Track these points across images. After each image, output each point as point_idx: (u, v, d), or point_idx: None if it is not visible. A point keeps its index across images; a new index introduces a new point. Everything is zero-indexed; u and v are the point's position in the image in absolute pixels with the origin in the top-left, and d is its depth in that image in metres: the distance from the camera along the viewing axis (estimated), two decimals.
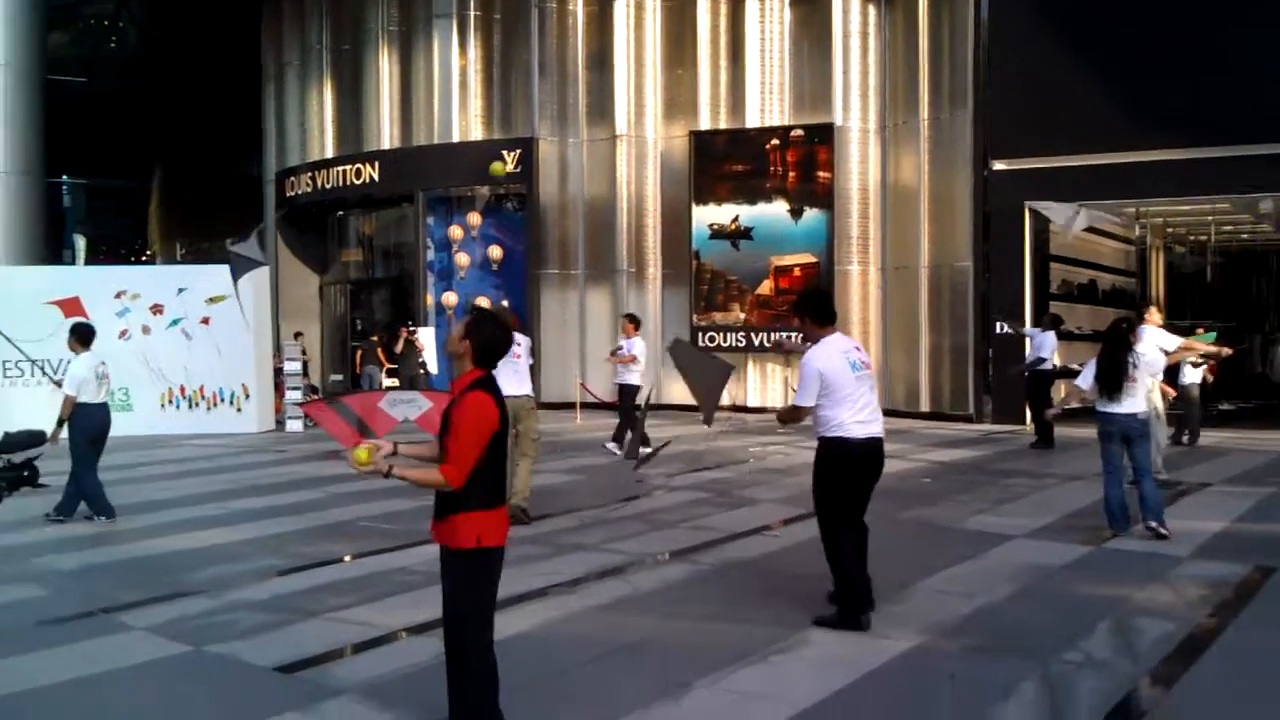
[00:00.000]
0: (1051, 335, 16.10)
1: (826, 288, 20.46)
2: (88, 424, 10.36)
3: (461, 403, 4.57)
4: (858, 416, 6.60)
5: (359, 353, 23.97)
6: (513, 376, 9.65)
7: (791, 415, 6.92)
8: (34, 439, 4.44)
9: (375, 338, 23.45)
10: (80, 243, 41.28)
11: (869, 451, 6.70)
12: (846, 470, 6.68)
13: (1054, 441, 15.49)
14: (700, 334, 21.53)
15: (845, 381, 6.59)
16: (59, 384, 10.66)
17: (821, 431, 6.71)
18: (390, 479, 4.71)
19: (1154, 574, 8.04)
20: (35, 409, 14.65)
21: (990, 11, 19.19)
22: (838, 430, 6.62)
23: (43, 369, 14.73)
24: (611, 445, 15.48)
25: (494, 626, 4.75)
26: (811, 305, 6.99)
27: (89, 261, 40.29)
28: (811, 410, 6.68)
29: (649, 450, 12.73)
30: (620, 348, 15.73)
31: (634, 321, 15.99)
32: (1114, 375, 9.15)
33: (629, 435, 13.94)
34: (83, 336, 10.64)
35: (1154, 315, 11.78)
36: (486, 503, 4.60)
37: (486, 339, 4.74)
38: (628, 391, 15.51)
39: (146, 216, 42.84)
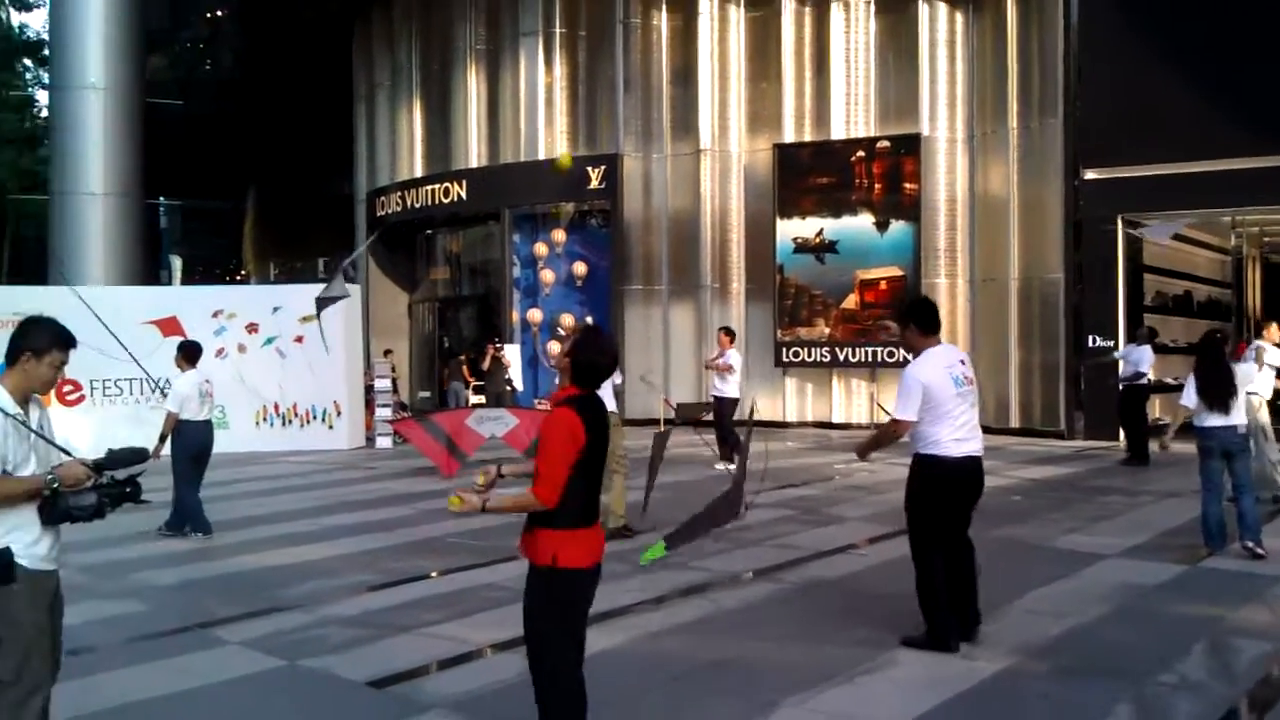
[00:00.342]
0: (1148, 349, 15.77)
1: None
2: (189, 441, 10.62)
3: (547, 420, 4.56)
4: (956, 434, 6.41)
5: (445, 370, 24.26)
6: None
7: (889, 432, 6.68)
8: (137, 456, 4.53)
9: (461, 356, 23.69)
10: (176, 263, 42.36)
11: (967, 471, 6.52)
12: (942, 490, 6.52)
13: (1149, 458, 15.16)
14: (784, 349, 21.44)
15: (946, 397, 6.39)
16: (164, 394, 10.84)
17: (918, 448, 6.53)
18: (489, 512, 4.63)
19: (1251, 594, 7.85)
20: (134, 426, 15.10)
21: (1080, 17, 18.88)
22: (934, 448, 6.44)
23: (154, 387, 15.10)
24: (721, 466, 15.49)
25: (583, 649, 4.70)
26: (916, 313, 6.76)
27: (185, 281, 41.36)
28: (911, 426, 6.48)
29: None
30: (720, 354, 15.77)
31: (729, 334, 16.12)
32: (1217, 387, 8.94)
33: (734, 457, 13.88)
34: (190, 354, 10.90)
35: (1274, 332, 11.44)
36: (567, 522, 4.51)
37: (587, 360, 4.67)
38: (726, 405, 15.54)
39: (241, 236, 43.81)
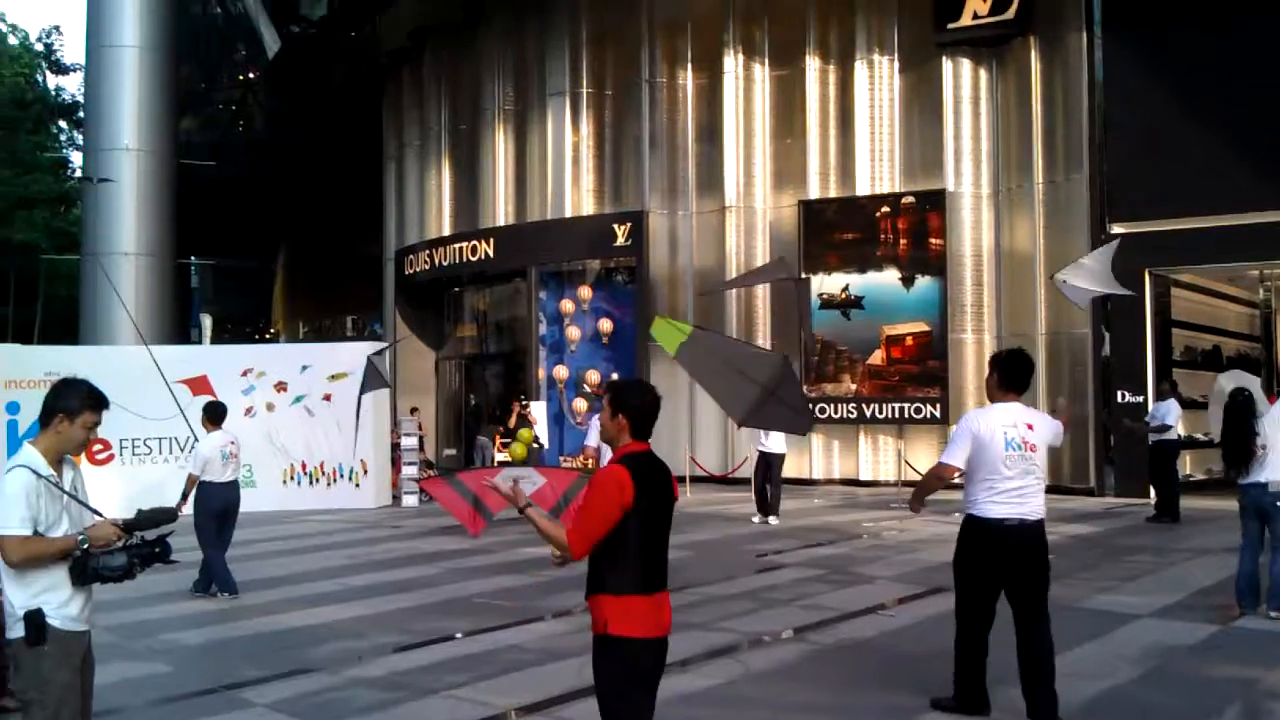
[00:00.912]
0: (1173, 403, 15.65)
1: (939, 356, 20.26)
2: (212, 501, 10.64)
3: (598, 474, 4.39)
4: (996, 496, 6.12)
5: (479, 432, 24.12)
6: None
7: (933, 475, 6.44)
8: (165, 516, 4.57)
9: (497, 429, 23.18)
10: (207, 321, 42.80)
11: (1008, 536, 6.13)
12: (977, 553, 6.26)
13: (1179, 514, 15.01)
14: (811, 406, 21.37)
15: (994, 455, 6.11)
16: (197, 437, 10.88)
17: (969, 509, 6.31)
18: (524, 516, 4.47)
19: None
20: (164, 485, 15.16)
21: (1105, 72, 18.97)
22: (972, 508, 6.25)
23: (184, 446, 15.13)
24: (757, 520, 15.55)
25: None
26: (1002, 364, 6.43)
27: (215, 340, 41.73)
28: (954, 471, 6.27)
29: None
30: None
31: None
32: (1233, 447, 8.87)
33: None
34: (214, 415, 10.94)
35: None
36: (620, 587, 4.30)
37: (638, 406, 4.49)
38: (774, 460, 15.62)
39: (270, 295, 44.22)
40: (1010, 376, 6.36)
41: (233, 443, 10.88)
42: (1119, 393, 18.24)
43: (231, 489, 10.84)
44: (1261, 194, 17.09)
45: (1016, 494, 6.15)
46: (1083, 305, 15.53)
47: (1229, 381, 9.56)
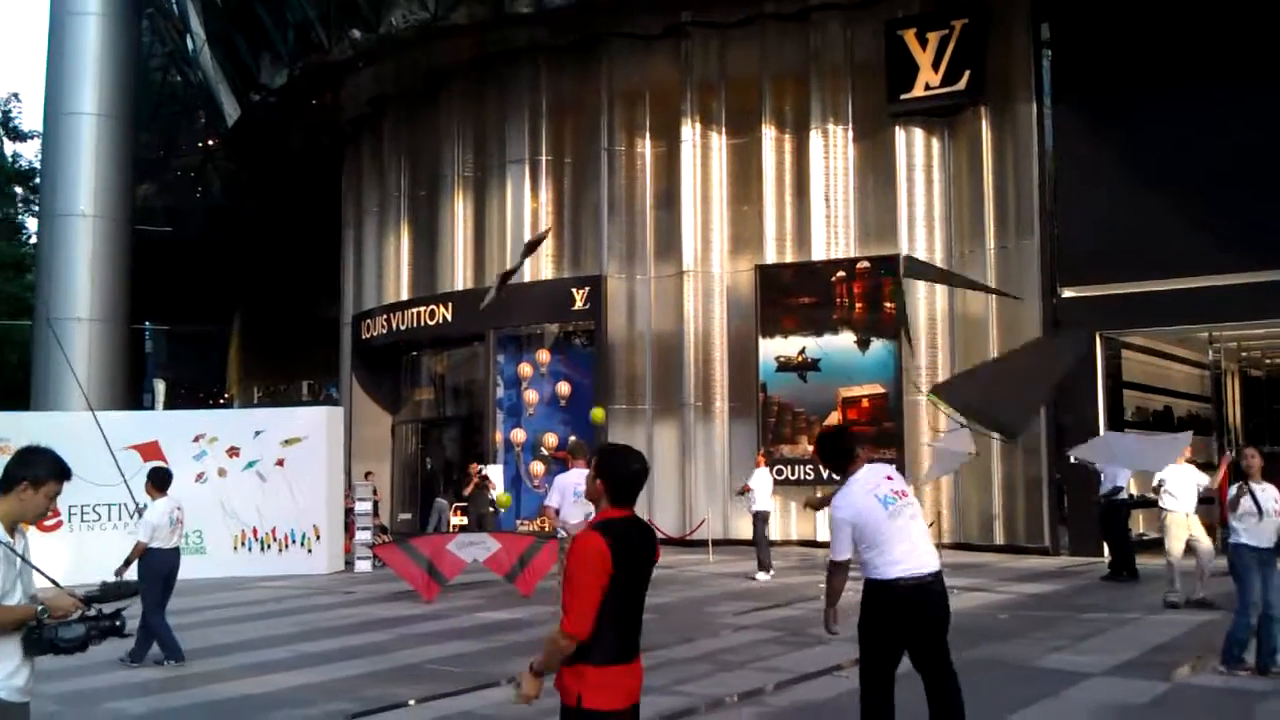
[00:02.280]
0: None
1: (894, 417, 20.41)
2: (159, 568, 10.49)
3: (572, 548, 4.24)
4: (889, 559, 5.96)
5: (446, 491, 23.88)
6: (580, 512, 9.64)
7: (832, 580, 6.19)
8: (128, 590, 4.53)
9: (457, 500, 22.84)
10: (160, 387, 42.36)
11: (918, 594, 5.98)
12: (881, 614, 6.03)
13: (1137, 572, 15.11)
14: (768, 468, 21.40)
15: (875, 522, 5.99)
16: (140, 513, 10.78)
17: (866, 574, 6.10)
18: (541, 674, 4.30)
19: (1237, 712, 7.76)
20: (112, 552, 14.89)
21: (1054, 140, 19.35)
22: (871, 572, 6.03)
23: (134, 513, 14.93)
24: (762, 576, 16.28)
25: None
26: (827, 449, 6.48)
27: (168, 405, 41.28)
28: (848, 562, 6.09)
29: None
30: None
31: (763, 454, 18.78)
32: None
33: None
34: (159, 482, 10.83)
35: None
36: (597, 658, 4.16)
37: (621, 473, 4.35)
38: (758, 516, 16.79)
39: (225, 360, 43.93)
40: (840, 454, 6.33)
41: (178, 508, 10.79)
42: (1069, 454, 18.39)
43: (175, 555, 10.72)
44: (1209, 258, 17.41)
45: (907, 551, 6.00)
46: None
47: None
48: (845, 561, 6.09)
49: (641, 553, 4.32)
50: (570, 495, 11.93)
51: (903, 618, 6.01)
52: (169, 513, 10.61)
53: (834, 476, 6.35)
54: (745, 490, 17.20)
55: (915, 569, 5.97)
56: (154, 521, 10.50)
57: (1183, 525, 12.67)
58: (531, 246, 17.88)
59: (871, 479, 6.16)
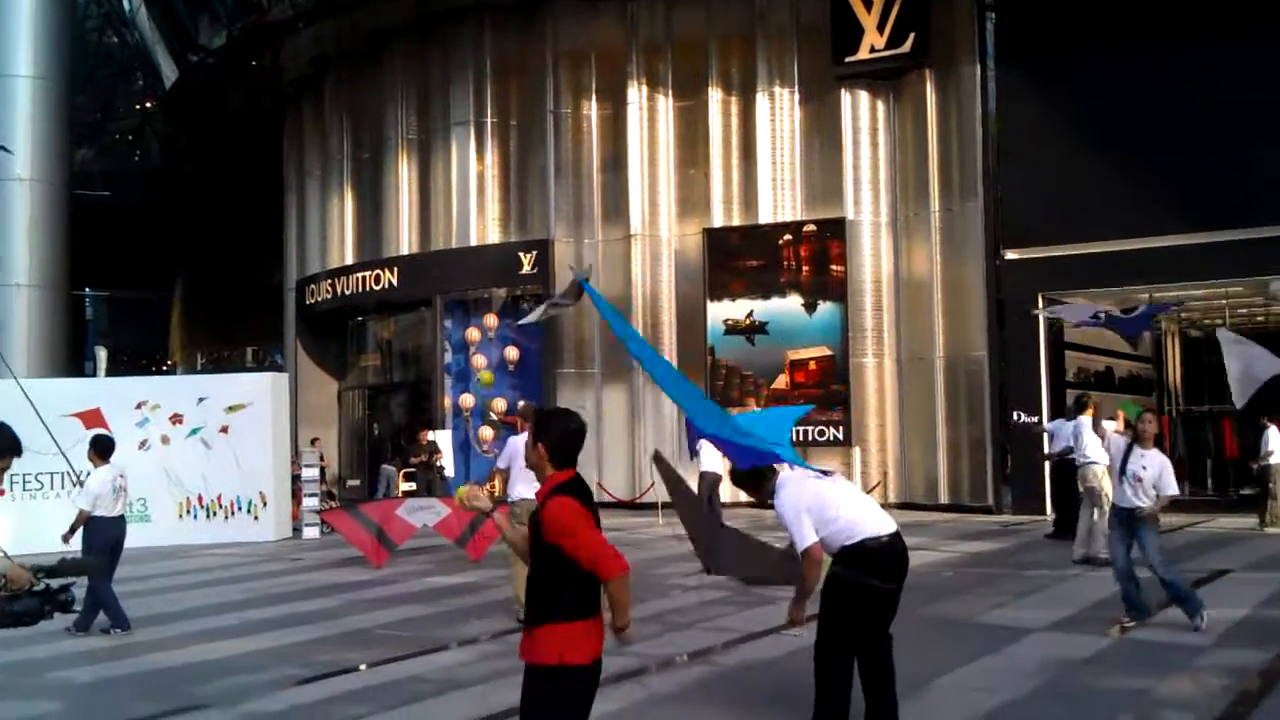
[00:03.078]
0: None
1: (841, 380, 20.57)
2: (104, 536, 10.36)
3: (557, 514, 4.17)
4: (852, 528, 5.95)
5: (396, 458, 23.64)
6: (528, 477, 9.61)
7: (809, 569, 5.94)
8: (90, 566, 4.50)
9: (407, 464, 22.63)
10: (101, 354, 41.82)
11: (892, 549, 6.00)
12: (871, 576, 5.94)
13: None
14: None
15: (825, 503, 6.00)
16: (80, 482, 10.68)
17: (832, 547, 5.98)
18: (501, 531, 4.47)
19: (1176, 665, 7.94)
20: (55, 521, 14.72)
21: (997, 103, 19.49)
22: (845, 542, 5.96)
23: (76, 481, 14.77)
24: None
25: None
26: (743, 481, 6.46)
27: (110, 372, 40.76)
28: (819, 546, 5.93)
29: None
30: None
31: None
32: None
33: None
34: (102, 449, 10.67)
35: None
36: (576, 613, 4.18)
37: (560, 434, 4.34)
38: (712, 479, 16.10)
39: (168, 326, 43.36)
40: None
41: (121, 476, 10.64)
42: (1014, 413, 18.66)
43: (120, 523, 10.59)
44: (1150, 220, 17.68)
45: (866, 515, 6.03)
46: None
47: None
48: (816, 546, 5.92)
49: (595, 508, 4.34)
50: (521, 459, 11.91)
51: (884, 574, 5.94)
52: (112, 481, 10.46)
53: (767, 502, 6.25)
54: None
55: (877, 530, 5.98)
56: (96, 490, 10.37)
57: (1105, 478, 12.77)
58: (576, 290, 17.32)
59: (795, 469, 6.24)
